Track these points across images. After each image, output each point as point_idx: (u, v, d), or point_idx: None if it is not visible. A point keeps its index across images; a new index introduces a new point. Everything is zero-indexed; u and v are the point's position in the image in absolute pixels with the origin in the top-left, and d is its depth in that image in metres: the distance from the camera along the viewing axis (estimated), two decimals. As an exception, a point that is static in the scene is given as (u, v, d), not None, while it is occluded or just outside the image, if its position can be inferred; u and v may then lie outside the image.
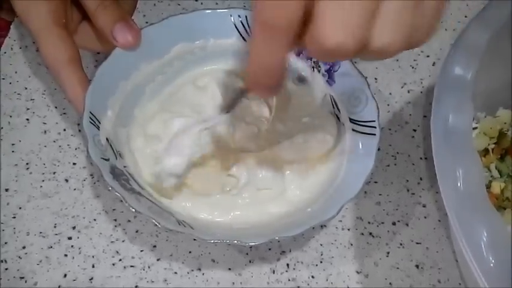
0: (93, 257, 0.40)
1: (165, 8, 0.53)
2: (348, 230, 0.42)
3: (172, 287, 0.39)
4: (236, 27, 0.44)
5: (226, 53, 0.44)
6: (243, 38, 0.44)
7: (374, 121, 0.40)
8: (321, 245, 0.41)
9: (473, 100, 0.34)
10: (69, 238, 0.41)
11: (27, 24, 0.40)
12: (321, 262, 0.41)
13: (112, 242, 0.41)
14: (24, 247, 0.40)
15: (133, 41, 0.40)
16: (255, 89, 0.29)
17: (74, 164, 0.44)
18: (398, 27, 0.25)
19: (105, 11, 0.39)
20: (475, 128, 0.42)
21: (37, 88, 0.47)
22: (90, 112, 0.38)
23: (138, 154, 0.41)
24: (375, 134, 0.39)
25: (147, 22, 0.51)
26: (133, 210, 0.35)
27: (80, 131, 0.45)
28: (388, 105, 0.49)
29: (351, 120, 0.41)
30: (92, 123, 0.38)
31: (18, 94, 0.47)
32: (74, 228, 0.41)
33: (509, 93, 0.43)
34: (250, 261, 0.40)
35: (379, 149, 0.39)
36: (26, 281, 0.39)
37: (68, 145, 0.45)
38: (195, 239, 0.36)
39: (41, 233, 0.41)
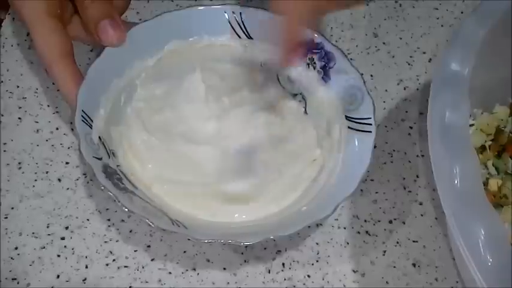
0: (86, 257, 0.39)
1: (159, 5, 0.52)
2: (344, 228, 0.42)
3: (166, 287, 0.39)
4: (230, 23, 0.43)
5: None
6: (237, 34, 0.43)
7: (370, 118, 0.39)
8: (317, 243, 0.41)
9: (469, 96, 0.34)
10: (62, 238, 0.40)
11: (21, 15, 0.39)
12: (317, 261, 0.40)
13: (105, 242, 0.40)
14: (16, 248, 0.40)
15: (116, 41, 0.39)
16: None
17: (67, 163, 0.43)
18: None
19: (92, 5, 0.38)
20: (471, 125, 0.41)
21: (29, 86, 0.47)
22: (83, 110, 0.38)
23: (131, 153, 0.40)
24: (370, 132, 0.39)
25: (140, 19, 0.50)
26: (126, 210, 0.34)
27: (72, 129, 0.45)
28: (384, 102, 0.48)
29: (347, 118, 0.40)
30: (84, 121, 0.37)
31: (10, 92, 0.46)
32: (67, 228, 0.41)
33: (505, 90, 0.43)
34: (245, 261, 0.40)
35: (375, 147, 0.38)
36: (18, 282, 0.38)
37: (61, 144, 0.44)
38: (189, 239, 0.36)
39: (33, 233, 0.40)
